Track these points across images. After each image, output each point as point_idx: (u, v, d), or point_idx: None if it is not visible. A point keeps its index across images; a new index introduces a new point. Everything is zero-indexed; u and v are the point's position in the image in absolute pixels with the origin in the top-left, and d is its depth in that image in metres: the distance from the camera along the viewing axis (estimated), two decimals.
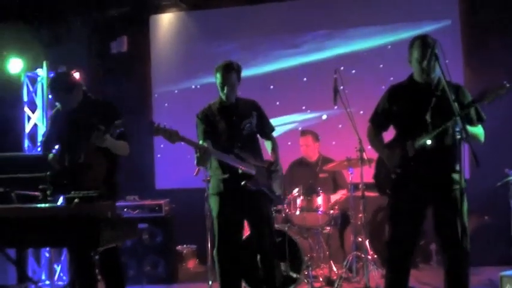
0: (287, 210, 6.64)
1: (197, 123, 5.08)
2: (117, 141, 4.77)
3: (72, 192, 4.08)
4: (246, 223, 5.30)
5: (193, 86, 8.83)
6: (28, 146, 7.72)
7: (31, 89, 7.75)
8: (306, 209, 6.50)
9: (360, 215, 6.45)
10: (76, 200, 3.99)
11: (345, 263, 6.53)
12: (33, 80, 7.78)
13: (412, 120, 4.47)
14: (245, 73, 8.39)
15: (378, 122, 4.76)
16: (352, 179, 6.54)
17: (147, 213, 7.33)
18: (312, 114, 8.56)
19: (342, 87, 5.96)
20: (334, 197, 6.93)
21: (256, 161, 5.07)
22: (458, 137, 4.05)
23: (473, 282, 5.83)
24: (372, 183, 4.97)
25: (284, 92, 8.63)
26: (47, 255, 7.35)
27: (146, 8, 8.99)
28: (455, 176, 4.39)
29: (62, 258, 7.46)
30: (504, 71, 7.32)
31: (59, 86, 4.96)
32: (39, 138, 7.64)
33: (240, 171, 4.91)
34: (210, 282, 6.28)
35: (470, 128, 4.18)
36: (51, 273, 7.22)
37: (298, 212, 6.52)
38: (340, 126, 8.14)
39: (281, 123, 8.54)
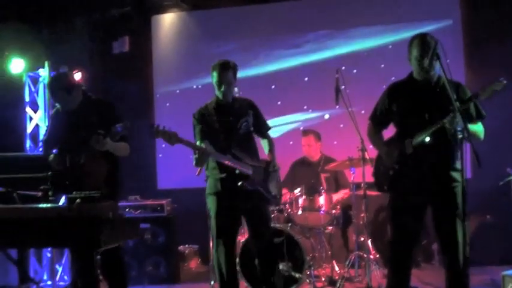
0: (289, 210, 6.64)
1: (194, 123, 5.08)
2: (117, 144, 4.78)
3: (74, 193, 4.08)
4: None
5: (194, 86, 8.84)
6: (30, 146, 7.72)
7: (33, 89, 7.75)
8: (308, 208, 6.50)
9: (362, 215, 6.45)
10: (78, 200, 3.99)
11: (347, 263, 6.53)
12: (35, 80, 7.78)
13: (411, 118, 4.49)
14: (247, 73, 8.48)
15: (378, 120, 4.77)
16: (354, 179, 6.54)
17: (149, 213, 7.33)
18: (314, 114, 8.55)
19: (343, 86, 5.96)
20: (336, 197, 6.93)
21: (252, 161, 5.07)
22: (460, 136, 4.05)
23: (475, 282, 5.85)
24: (373, 182, 4.98)
25: (285, 92, 8.63)
26: (49, 255, 7.35)
27: (148, 8, 8.99)
28: (454, 174, 4.40)
29: (64, 259, 7.46)
30: (505, 71, 7.28)
31: (59, 87, 4.95)
32: (41, 138, 7.64)
33: (237, 171, 4.92)
34: (212, 282, 6.28)
35: (470, 126, 4.18)
36: (52, 274, 7.22)
37: (300, 212, 6.51)
38: (341, 125, 8.14)
39: (282, 123, 8.55)
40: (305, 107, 8.59)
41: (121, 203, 6.96)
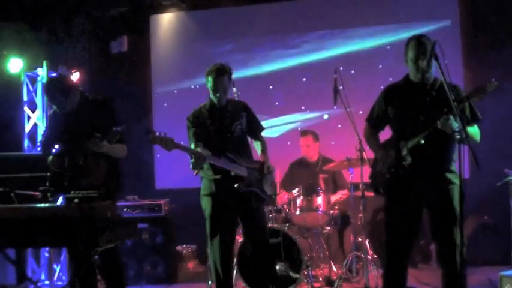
0: (287, 210, 6.64)
1: (188, 126, 5.07)
2: (114, 145, 4.78)
3: (72, 192, 4.08)
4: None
5: (192, 86, 8.83)
6: (28, 146, 7.71)
7: (31, 88, 7.75)
8: (306, 209, 6.51)
9: (360, 215, 6.45)
10: (76, 200, 3.99)
11: (344, 263, 6.53)
12: (33, 80, 7.78)
13: (407, 120, 4.49)
14: (245, 73, 8.49)
15: (374, 122, 4.77)
16: (352, 179, 6.54)
17: (146, 213, 7.33)
18: (312, 114, 8.55)
19: (341, 87, 5.96)
20: (334, 197, 6.93)
21: (247, 163, 5.07)
22: (458, 137, 4.05)
23: (473, 282, 5.85)
24: (370, 184, 4.98)
25: (283, 92, 8.65)
26: (47, 255, 7.34)
27: (146, 7, 8.99)
28: (450, 176, 4.40)
29: (62, 258, 7.46)
30: (504, 72, 7.32)
31: (55, 90, 4.95)
32: (39, 138, 7.63)
33: (232, 173, 4.92)
34: (210, 283, 6.27)
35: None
36: (50, 273, 7.21)
37: (298, 212, 6.52)
38: (339, 126, 8.14)
39: (280, 123, 8.56)
40: (303, 108, 8.60)
41: (119, 203, 6.97)
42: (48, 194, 4.41)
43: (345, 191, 7.04)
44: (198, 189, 5.18)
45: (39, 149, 7.55)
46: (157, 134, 4.55)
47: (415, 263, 7.39)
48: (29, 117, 7.75)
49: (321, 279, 6.53)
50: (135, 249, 7.15)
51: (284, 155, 7.64)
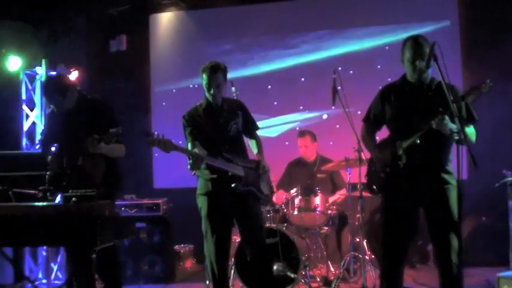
0: (285, 210, 6.64)
1: (184, 124, 5.05)
2: (112, 146, 4.77)
3: (70, 191, 4.08)
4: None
5: (191, 85, 8.82)
6: (26, 144, 7.71)
7: (29, 87, 7.75)
8: (304, 209, 6.51)
9: (358, 215, 6.46)
10: (74, 199, 3.98)
11: (342, 263, 6.53)
12: (32, 78, 7.78)
13: (403, 120, 4.49)
14: (243, 73, 8.49)
15: (371, 122, 4.77)
16: (350, 179, 6.54)
17: (144, 213, 7.34)
18: (310, 114, 8.56)
19: (339, 87, 5.96)
20: (332, 197, 6.93)
21: (243, 162, 5.07)
22: (457, 138, 4.05)
23: (471, 283, 5.86)
24: (365, 184, 4.99)
25: (282, 92, 8.65)
26: (44, 254, 7.34)
27: (146, 7, 9.00)
28: (445, 176, 4.41)
29: (59, 257, 7.46)
30: (503, 72, 7.34)
31: (53, 90, 4.94)
32: (37, 136, 7.64)
33: (229, 173, 4.92)
34: (207, 282, 6.27)
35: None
36: (48, 272, 7.21)
37: (296, 212, 6.52)
38: (337, 126, 8.15)
39: (279, 123, 8.56)
40: (301, 107, 8.60)
41: (117, 202, 6.96)
42: (48, 194, 4.41)
43: (343, 191, 7.04)
44: (196, 188, 5.18)
45: (37, 147, 7.56)
46: (156, 136, 4.54)
47: (412, 263, 7.40)
48: (27, 116, 7.75)
49: (318, 279, 6.54)
50: (133, 249, 7.15)
51: (282, 155, 7.64)
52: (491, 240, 7.09)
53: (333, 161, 7.01)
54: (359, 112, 6.32)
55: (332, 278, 6.43)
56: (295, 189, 6.62)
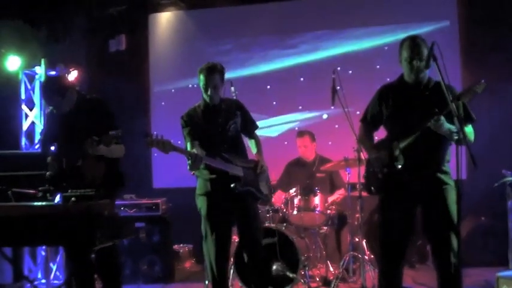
0: (284, 210, 6.65)
1: (182, 125, 5.06)
2: (112, 147, 4.77)
3: (69, 191, 4.08)
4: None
5: (190, 85, 8.82)
6: (25, 144, 7.70)
7: (29, 86, 7.74)
8: (303, 208, 6.51)
9: (357, 215, 6.46)
10: (73, 199, 3.98)
11: (341, 263, 6.53)
12: (31, 78, 7.77)
13: (400, 120, 4.49)
14: (242, 73, 8.49)
15: (368, 122, 4.77)
16: (349, 179, 6.54)
17: (144, 212, 7.34)
18: (309, 114, 8.56)
19: (338, 87, 5.97)
20: (331, 197, 6.93)
21: (242, 162, 5.07)
22: (456, 137, 4.05)
23: (470, 283, 5.87)
24: (363, 184, 4.99)
25: (281, 92, 8.65)
26: (43, 253, 7.34)
27: (145, 6, 8.99)
28: (442, 176, 4.41)
29: (58, 257, 7.45)
30: (502, 72, 7.34)
31: (52, 91, 4.94)
32: (37, 136, 7.64)
33: (228, 173, 4.92)
34: (207, 282, 6.26)
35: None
36: (47, 272, 7.21)
37: (295, 212, 6.52)
38: (336, 126, 8.15)
39: (278, 123, 8.56)
40: (300, 107, 8.60)
41: (116, 202, 6.96)
42: (47, 195, 4.41)
43: (342, 191, 7.04)
44: (195, 188, 5.18)
45: (37, 147, 7.56)
46: (155, 136, 4.54)
47: (411, 263, 7.40)
48: (26, 115, 7.74)
49: (317, 279, 6.54)
50: (132, 248, 7.14)
51: (281, 155, 7.64)
52: (491, 240, 7.09)
53: (332, 160, 7.01)
54: (358, 112, 6.29)
55: (331, 277, 6.43)
56: (294, 189, 6.62)
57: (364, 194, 6.14)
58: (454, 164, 4.07)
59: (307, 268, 6.31)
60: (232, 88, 5.72)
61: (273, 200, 6.67)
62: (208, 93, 4.95)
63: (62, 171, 4.74)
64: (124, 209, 7.30)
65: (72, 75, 7.59)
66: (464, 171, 5.06)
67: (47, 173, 4.70)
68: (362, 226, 6.35)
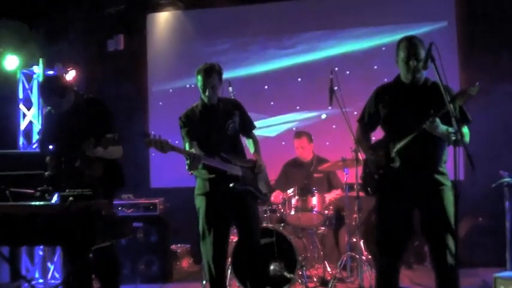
0: (282, 210, 6.65)
1: (180, 125, 5.06)
2: (110, 149, 4.77)
3: (67, 191, 4.08)
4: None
5: (187, 85, 8.82)
6: (23, 144, 7.70)
7: (27, 86, 7.73)
8: (301, 209, 6.50)
9: (355, 215, 6.46)
10: (71, 198, 3.98)
11: (339, 263, 6.54)
12: (29, 77, 7.76)
13: (396, 121, 4.49)
14: (240, 73, 8.49)
15: (365, 123, 4.77)
16: (347, 180, 6.54)
17: (141, 212, 7.34)
18: (307, 114, 8.55)
19: (336, 87, 5.97)
20: (329, 197, 6.93)
21: (241, 162, 5.07)
22: (453, 138, 4.05)
23: (467, 284, 5.86)
24: (360, 185, 4.99)
25: (279, 92, 8.65)
26: (41, 253, 7.33)
27: (143, 6, 8.99)
28: (439, 177, 4.41)
29: (56, 257, 7.44)
30: (500, 72, 7.35)
31: (50, 91, 4.92)
32: (35, 135, 7.63)
33: (227, 173, 4.92)
34: (204, 282, 6.27)
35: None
36: (44, 272, 7.20)
37: (293, 212, 6.52)
38: (334, 126, 8.15)
39: (275, 123, 8.56)
40: (298, 108, 8.60)
41: (114, 202, 6.96)
42: (46, 195, 4.41)
43: (340, 191, 7.04)
44: (193, 188, 5.18)
45: (35, 146, 7.55)
46: (152, 136, 4.54)
47: (409, 263, 7.40)
48: (24, 115, 7.74)
49: (315, 279, 6.54)
50: (130, 248, 7.13)
51: (279, 155, 7.64)
52: (488, 240, 7.10)
53: (329, 161, 7.01)
54: (355, 112, 6.29)
55: (329, 278, 6.44)
56: (292, 190, 6.61)
57: (361, 194, 6.14)
58: (452, 165, 4.07)
59: (304, 268, 6.32)
60: (230, 88, 5.73)
61: (271, 199, 6.68)
62: (206, 93, 4.95)
63: (60, 171, 4.74)
64: (122, 209, 7.30)
65: (70, 75, 7.59)
66: (462, 172, 5.07)
67: (46, 172, 4.70)
68: (360, 226, 6.35)
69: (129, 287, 6.77)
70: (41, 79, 7.42)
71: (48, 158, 4.84)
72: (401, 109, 4.47)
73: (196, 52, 8.72)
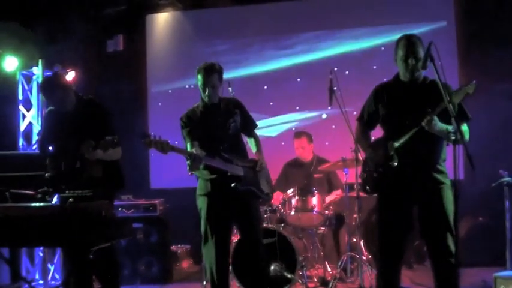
0: (282, 210, 6.65)
1: (181, 126, 5.05)
2: (108, 151, 4.76)
3: (67, 192, 4.08)
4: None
5: (186, 86, 8.83)
6: (22, 145, 7.69)
7: (26, 87, 7.73)
8: (301, 209, 6.51)
9: (355, 216, 6.46)
10: (70, 200, 3.98)
11: (339, 264, 6.54)
12: (29, 78, 7.76)
13: (395, 119, 4.49)
14: (239, 73, 8.49)
15: (365, 122, 4.78)
16: (347, 180, 6.54)
17: (141, 213, 7.34)
18: (306, 114, 8.55)
19: (335, 87, 5.97)
20: (329, 198, 6.93)
21: (242, 162, 5.07)
22: (453, 138, 4.05)
23: (467, 283, 5.87)
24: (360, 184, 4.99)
25: (278, 93, 8.65)
26: (41, 254, 7.32)
27: (143, 7, 8.99)
28: (438, 176, 4.41)
29: (56, 258, 7.44)
30: (499, 72, 7.35)
31: (56, 86, 4.94)
32: (34, 136, 7.62)
33: (228, 173, 4.91)
34: (204, 283, 6.27)
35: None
36: (44, 273, 7.19)
37: (293, 212, 6.52)
38: (333, 126, 8.16)
39: (275, 124, 8.56)
40: (297, 108, 8.60)
41: (114, 203, 6.96)
42: (46, 197, 4.41)
43: (340, 191, 7.04)
44: (193, 188, 5.17)
45: (34, 147, 7.55)
46: (153, 137, 4.54)
47: (409, 263, 7.40)
48: (24, 116, 7.73)
49: (315, 279, 6.55)
50: (130, 249, 7.14)
51: (279, 155, 7.63)
52: (488, 240, 7.10)
53: (329, 161, 7.01)
54: (355, 112, 6.28)
55: (329, 278, 6.44)
56: (292, 190, 6.61)
57: (361, 194, 6.15)
58: (452, 164, 4.06)
59: (304, 268, 6.32)
60: (230, 88, 5.73)
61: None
62: (207, 93, 4.95)
63: (60, 172, 4.74)
64: (122, 210, 7.30)
65: (70, 76, 7.58)
66: (462, 172, 5.07)
67: (46, 174, 4.70)
68: (360, 226, 6.35)
69: None
70: (40, 80, 7.41)
71: (47, 159, 4.84)
72: (400, 107, 4.48)
73: (196, 53, 8.72)
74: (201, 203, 5.04)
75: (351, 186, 6.52)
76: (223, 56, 8.48)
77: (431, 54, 4.10)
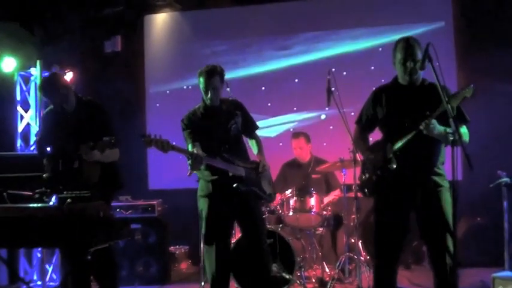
0: (280, 211, 6.64)
1: (182, 127, 5.06)
2: (107, 153, 4.76)
3: (65, 193, 4.08)
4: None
5: (184, 87, 8.83)
6: (20, 146, 7.69)
7: (24, 88, 7.72)
8: (299, 209, 6.51)
9: (353, 216, 6.46)
10: (68, 200, 3.98)
11: (337, 264, 6.54)
12: (27, 79, 7.75)
13: (394, 122, 4.49)
14: (237, 74, 8.49)
15: (363, 124, 4.78)
16: (345, 180, 6.54)
17: (139, 214, 7.33)
18: (304, 115, 8.55)
19: (333, 88, 5.97)
20: (327, 198, 6.93)
21: (244, 163, 5.07)
22: (452, 138, 4.05)
23: (465, 284, 5.86)
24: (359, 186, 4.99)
25: (276, 93, 8.64)
26: (39, 255, 7.32)
27: (140, 7, 8.98)
28: (436, 178, 4.41)
29: (54, 259, 7.43)
30: (497, 72, 7.35)
31: (54, 85, 4.94)
32: (32, 137, 7.62)
33: (230, 174, 4.91)
34: (203, 283, 6.27)
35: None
36: (42, 274, 7.19)
37: (291, 213, 6.52)
38: (331, 127, 8.15)
39: (273, 124, 8.55)
40: (295, 109, 8.60)
41: (112, 203, 6.96)
42: (44, 197, 4.41)
43: (338, 192, 7.04)
44: (191, 189, 5.17)
45: (32, 148, 7.54)
46: (153, 136, 4.54)
47: (407, 264, 7.41)
48: (22, 117, 7.72)
49: (313, 280, 6.54)
50: (128, 250, 7.14)
51: (277, 156, 7.63)
52: (486, 240, 7.10)
53: (327, 161, 7.01)
54: (353, 113, 6.32)
55: (327, 278, 6.44)
56: (290, 190, 6.62)
57: (360, 195, 6.14)
58: (450, 166, 4.07)
59: (303, 269, 6.32)
60: (228, 89, 5.73)
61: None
62: (209, 95, 4.96)
63: (58, 173, 4.74)
64: (120, 211, 7.30)
65: (68, 77, 7.58)
66: (460, 173, 5.07)
67: (44, 174, 4.70)
68: (358, 227, 6.35)
69: None
70: (38, 81, 7.41)
71: (45, 160, 4.84)
72: (398, 110, 4.48)
73: (194, 53, 8.72)
74: (202, 204, 5.04)
75: (349, 187, 6.52)
76: (222, 57, 8.48)
77: (430, 54, 4.10)
